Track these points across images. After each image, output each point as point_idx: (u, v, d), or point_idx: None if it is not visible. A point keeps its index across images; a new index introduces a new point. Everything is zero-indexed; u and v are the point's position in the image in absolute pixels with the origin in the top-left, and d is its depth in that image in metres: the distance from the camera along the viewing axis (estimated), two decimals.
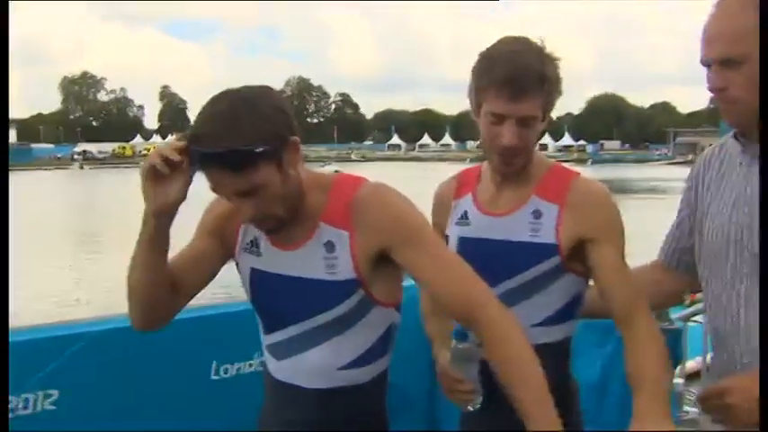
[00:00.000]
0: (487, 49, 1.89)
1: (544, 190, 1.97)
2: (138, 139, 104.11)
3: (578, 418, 2.04)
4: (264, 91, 1.57)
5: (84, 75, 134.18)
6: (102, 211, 32.02)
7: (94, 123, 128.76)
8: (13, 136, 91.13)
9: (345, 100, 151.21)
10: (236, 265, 1.79)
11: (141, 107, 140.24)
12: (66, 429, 2.03)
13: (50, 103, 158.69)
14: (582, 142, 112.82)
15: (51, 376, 2.02)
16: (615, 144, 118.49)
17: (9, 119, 0.80)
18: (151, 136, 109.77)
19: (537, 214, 1.95)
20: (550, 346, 1.99)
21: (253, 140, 1.49)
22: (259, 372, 2.06)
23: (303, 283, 1.69)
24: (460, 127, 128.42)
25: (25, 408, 2.00)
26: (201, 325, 2.33)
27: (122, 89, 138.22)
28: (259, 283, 1.75)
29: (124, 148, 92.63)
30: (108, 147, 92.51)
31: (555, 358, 1.99)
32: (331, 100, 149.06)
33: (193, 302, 1.78)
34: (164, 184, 1.54)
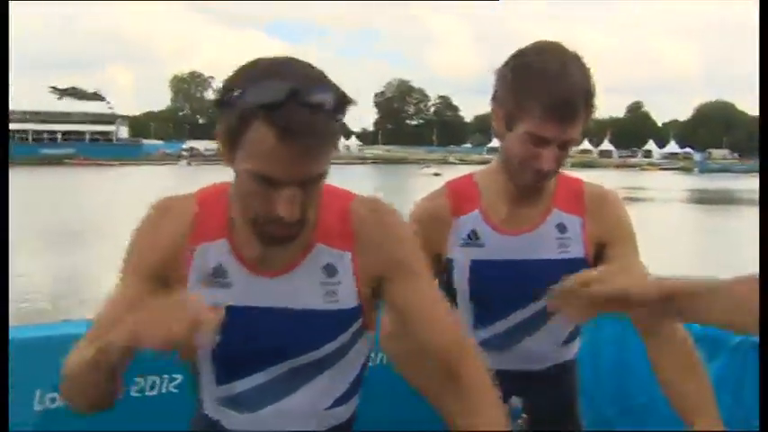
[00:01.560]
0: (527, 58, 1.74)
1: (562, 202, 1.88)
2: None
3: None
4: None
5: (193, 74, 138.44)
6: None
7: (201, 121, 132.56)
8: (125, 132, 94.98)
9: (445, 102, 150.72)
10: None
11: None
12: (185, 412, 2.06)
13: (161, 100, 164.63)
14: (688, 150, 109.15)
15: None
16: (723, 153, 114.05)
17: (8, 119, 0.84)
18: None
19: (562, 228, 1.86)
20: (573, 361, 1.97)
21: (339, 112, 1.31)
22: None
23: (296, 316, 1.41)
24: None
25: (152, 389, 2.14)
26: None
27: None
28: (227, 329, 1.26)
29: None
30: (214, 144, 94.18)
31: (575, 373, 1.98)
32: (431, 102, 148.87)
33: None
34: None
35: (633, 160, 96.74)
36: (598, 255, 1.87)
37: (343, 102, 1.30)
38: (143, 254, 1.41)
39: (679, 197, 37.61)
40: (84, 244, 19.71)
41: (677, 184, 49.80)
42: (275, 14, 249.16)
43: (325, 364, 1.45)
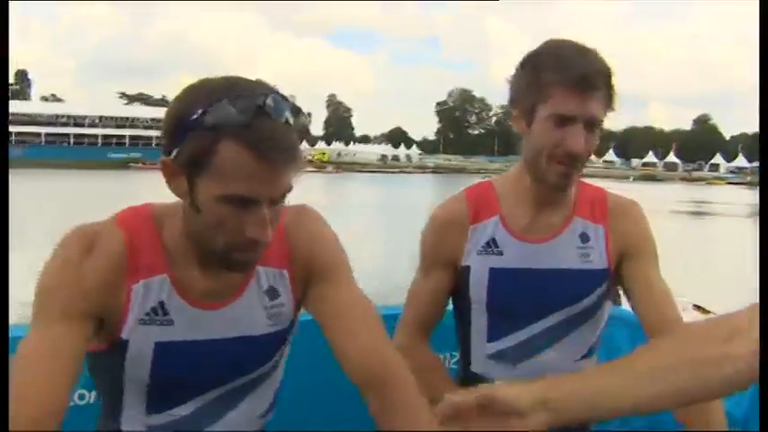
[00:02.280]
0: (540, 51, 1.71)
1: (585, 210, 1.82)
2: (305, 145, 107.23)
3: None
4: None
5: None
6: None
7: None
8: None
9: (507, 112, 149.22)
10: (114, 343, 1.33)
11: (309, 114, 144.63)
12: None
13: None
14: (757, 164, 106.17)
15: None
16: None
17: (8, 120, 0.84)
18: (316, 142, 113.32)
19: (584, 237, 1.80)
20: None
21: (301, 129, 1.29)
22: None
23: (241, 342, 1.39)
24: (626, 143, 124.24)
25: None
26: None
27: (291, 96, 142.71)
28: (165, 357, 1.34)
29: None
30: None
31: None
32: (492, 112, 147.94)
33: None
34: None
35: (699, 174, 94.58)
36: (618, 267, 1.80)
37: (298, 113, 1.30)
38: (72, 296, 1.26)
39: (746, 212, 36.69)
40: None
41: (745, 198, 48.52)
42: (340, 23, 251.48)
43: (257, 382, 1.45)
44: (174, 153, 1.25)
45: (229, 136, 1.19)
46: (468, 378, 1.87)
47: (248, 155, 1.19)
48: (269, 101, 1.23)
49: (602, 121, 1.70)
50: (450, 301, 1.91)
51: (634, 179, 78.98)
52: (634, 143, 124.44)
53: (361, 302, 1.45)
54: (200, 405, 1.41)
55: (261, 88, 1.26)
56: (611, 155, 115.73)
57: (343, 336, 1.40)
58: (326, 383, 1.85)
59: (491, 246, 1.80)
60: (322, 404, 2.13)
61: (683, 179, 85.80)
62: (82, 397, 1.88)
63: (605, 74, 1.68)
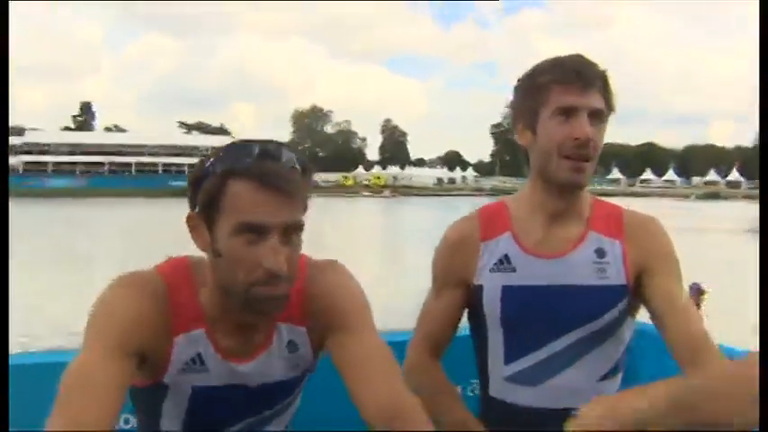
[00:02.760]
0: (536, 65, 1.76)
1: (600, 225, 1.77)
2: (360, 169, 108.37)
3: None
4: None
5: (314, 108, 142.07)
6: (329, 236, 33.60)
7: (321, 154, 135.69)
8: None
9: None
10: (156, 383, 1.48)
11: (364, 139, 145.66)
12: None
13: (282, 134, 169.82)
14: None
15: None
16: None
17: (8, 121, 0.86)
18: (372, 167, 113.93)
19: (600, 253, 1.74)
20: None
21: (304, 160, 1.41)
22: None
23: (267, 387, 1.53)
24: (687, 162, 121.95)
25: None
26: None
27: (347, 122, 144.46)
28: (201, 399, 1.50)
29: (346, 177, 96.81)
30: (332, 176, 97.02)
31: None
32: None
33: None
34: None
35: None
36: (637, 283, 1.74)
37: (306, 165, 1.40)
38: (121, 335, 1.37)
39: None
40: None
41: None
42: (396, 51, 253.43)
43: (281, 412, 1.60)
44: (195, 205, 1.42)
45: (236, 175, 1.35)
46: (487, 403, 1.84)
47: (252, 186, 1.34)
48: (271, 146, 1.38)
49: (604, 115, 1.71)
50: (468, 324, 1.88)
51: (696, 197, 77.46)
52: (695, 161, 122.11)
53: (379, 351, 1.49)
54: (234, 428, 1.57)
55: (266, 142, 1.40)
56: (671, 174, 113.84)
57: (359, 383, 1.45)
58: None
59: (503, 263, 1.76)
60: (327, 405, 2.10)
61: (747, 197, 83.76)
62: (126, 421, 1.95)
63: (601, 73, 1.72)
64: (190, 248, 1.47)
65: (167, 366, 1.46)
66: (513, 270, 1.75)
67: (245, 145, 1.39)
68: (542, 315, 1.72)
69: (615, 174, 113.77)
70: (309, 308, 1.52)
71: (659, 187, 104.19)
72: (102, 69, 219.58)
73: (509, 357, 1.78)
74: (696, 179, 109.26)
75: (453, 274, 1.81)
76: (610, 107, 1.73)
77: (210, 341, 1.47)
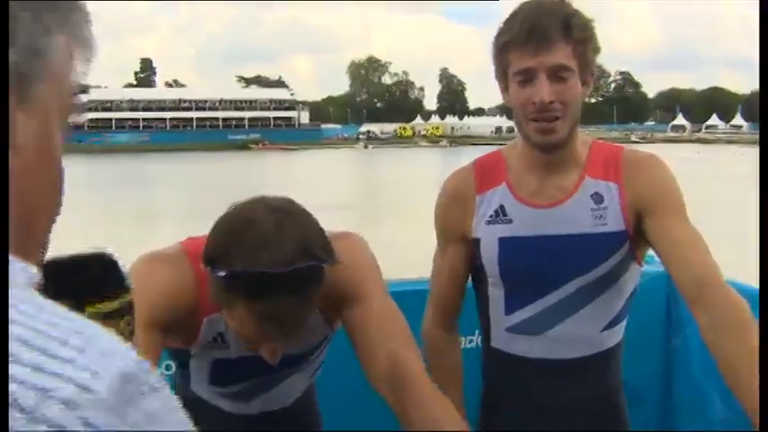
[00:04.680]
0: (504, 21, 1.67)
1: (596, 169, 1.70)
2: (419, 119, 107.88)
3: None
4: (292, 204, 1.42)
5: (370, 59, 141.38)
6: (385, 186, 33.68)
7: (378, 105, 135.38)
8: (305, 117, 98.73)
9: (626, 78, 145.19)
10: (183, 351, 1.62)
11: (422, 89, 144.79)
12: None
13: (339, 86, 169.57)
14: None
15: None
16: None
17: (8, 120, 0.87)
18: (430, 116, 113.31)
19: (597, 198, 1.68)
20: (613, 350, 1.77)
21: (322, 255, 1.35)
22: None
23: (282, 359, 1.54)
24: (754, 106, 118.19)
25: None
26: None
27: (405, 72, 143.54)
28: (222, 368, 1.63)
29: (404, 128, 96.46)
30: (390, 127, 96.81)
31: (614, 363, 1.79)
32: (611, 79, 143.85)
33: None
34: None
35: None
36: (639, 226, 1.68)
37: (319, 270, 1.35)
38: (160, 309, 1.45)
39: None
40: None
41: None
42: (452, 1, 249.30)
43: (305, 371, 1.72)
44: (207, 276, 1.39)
45: (243, 298, 1.33)
46: (489, 354, 1.83)
47: (255, 320, 1.34)
48: (286, 270, 1.29)
49: (571, 68, 1.61)
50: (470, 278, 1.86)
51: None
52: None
53: (385, 316, 1.53)
54: (245, 386, 1.68)
55: (291, 244, 1.31)
56: (738, 119, 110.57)
57: (362, 349, 1.51)
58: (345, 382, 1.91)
59: (499, 214, 1.73)
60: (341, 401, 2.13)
61: None
62: (168, 367, 2.01)
63: (563, 20, 1.60)
64: (249, 198, 1.47)
65: (194, 342, 1.57)
66: (510, 221, 1.72)
67: (263, 252, 1.30)
68: (541, 265, 1.69)
69: (680, 119, 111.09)
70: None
71: (726, 133, 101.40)
72: (159, 28, 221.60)
73: (509, 308, 1.76)
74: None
75: (453, 229, 1.79)
76: (582, 55, 1.63)
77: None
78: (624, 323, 1.79)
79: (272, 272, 1.28)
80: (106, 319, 0.80)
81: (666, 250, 1.64)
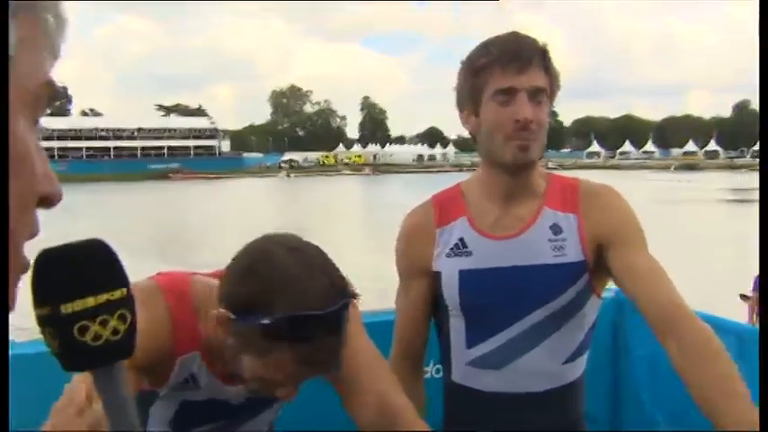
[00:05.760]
0: (475, 48, 1.73)
1: (554, 200, 1.72)
2: (341, 148, 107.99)
3: None
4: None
5: (292, 88, 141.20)
6: (308, 211, 33.55)
7: (300, 133, 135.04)
8: (226, 146, 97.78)
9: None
10: (146, 392, 1.53)
11: (344, 118, 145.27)
12: None
13: (260, 115, 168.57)
14: None
15: None
16: None
17: (8, 120, 0.87)
18: (352, 145, 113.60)
19: (556, 229, 1.69)
20: (575, 382, 1.76)
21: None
22: None
23: (250, 403, 1.58)
24: (665, 132, 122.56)
25: None
26: None
27: (326, 101, 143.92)
28: (188, 410, 1.57)
29: (327, 156, 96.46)
30: (313, 155, 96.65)
31: (577, 395, 1.78)
32: None
33: None
34: None
35: (742, 161, 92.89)
36: (599, 258, 1.69)
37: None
38: (138, 352, 1.36)
39: None
40: (190, 251, 20.37)
41: None
42: (372, 29, 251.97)
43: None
44: (232, 323, 1.33)
45: (287, 341, 1.28)
46: (450, 389, 1.82)
47: (296, 363, 1.31)
48: (329, 311, 1.28)
49: (545, 91, 1.67)
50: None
51: (675, 168, 77.89)
52: (673, 133, 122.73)
53: (364, 357, 1.54)
54: (210, 427, 1.62)
55: (323, 287, 1.30)
56: (650, 146, 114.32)
57: (348, 398, 1.53)
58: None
59: (459, 247, 1.73)
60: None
61: (727, 167, 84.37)
62: None
63: (539, 49, 1.68)
64: (169, 229, 1.44)
65: (164, 383, 1.50)
66: (470, 254, 1.72)
67: (303, 296, 1.28)
68: (501, 297, 1.68)
69: (594, 147, 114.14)
70: None
71: (638, 159, 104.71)
72: (75, 53, 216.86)
73: (471, 342, 1.75)
74: (675, 150, 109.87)
75: (414, 265, 1.79)
76: (554, 82, 1.70)
77: (205, 362, 1.50)
78: (585, 356, 1.78)
79: (321, 313, 1.26)
80: (77, 320, 0.77)
81: (630, 283, 1.64)
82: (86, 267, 0.79)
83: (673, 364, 1.55)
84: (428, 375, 2.30)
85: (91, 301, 0.78)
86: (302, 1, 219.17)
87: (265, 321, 1.27)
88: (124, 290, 0.82)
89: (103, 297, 0.79)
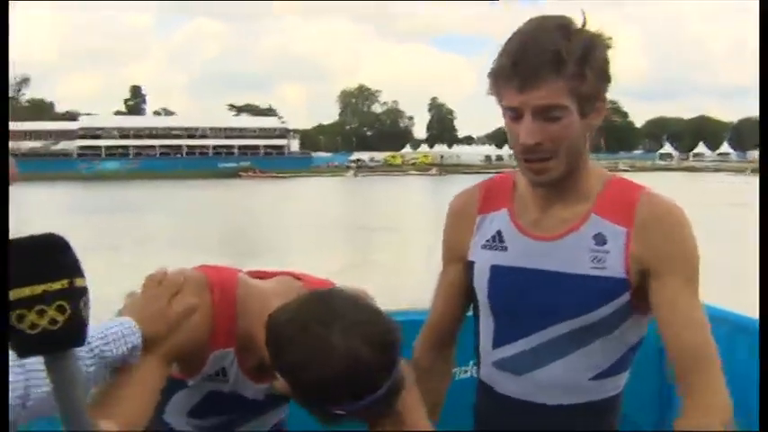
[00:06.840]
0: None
1: (606, 208, 1.56)
2: (408, 148, 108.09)
3: None
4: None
5: (361, 88, 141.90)
6: (376, 211, 33.67)
7: (368, 133, 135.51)
8: (295, 145, 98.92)
9: (614, 108, 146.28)
10: (177, 383, 1.58)
11: (411, 118, 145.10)
12: None
13: (329, 114, 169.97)
14: None
15: None
16: None
17: (8, 119, 0.87)
18: (419, 145, 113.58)
19: (600, 239, 1.54)
20: (605, 402, 1.63)
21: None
22: None
23: (265, 399, 1.65)
24: (741, 134, 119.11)
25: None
26: None
27: (394, 101, 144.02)
28: (213, 401, 1.62)
29: (394, 156, 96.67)
30: (380, 155, 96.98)
31: (607, 417, 1.64)
32: None
33: None
34: None
35: None
36: (642, 283, 1.54)
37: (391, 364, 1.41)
38: (177, 341, 1.47)
39: None
40: (257, 249, 20.67)
41: None
42: (442, 30, 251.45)
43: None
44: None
45: (318, 400, 1.43)
46: (478, 386, 1.75)
47: (323, 416, 1.45)
48: (361, 385, 1.38)
49: (563, 105, 1.47)
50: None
51: (752, 171, 75.57)
52: (749, 134, 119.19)
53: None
54: (228, 418, 1.67)
55: (364, 351, 1.38)
56: (725, 147, 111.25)
57: None
58: None
59: (496, 240, 1.63)
60: None
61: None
62: None
63: (551, 53, 1.44)
64: (237, 227, 1.49)
65: (196, 374, 1.55)
66: (505, 249, 1.61)
67: (333, 360, 1.37)
68: (529, 301, 1.58)
69: (667, 148, 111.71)
70: None
71: (713, 161, 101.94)
72: (151, 55, 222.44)
73: (497, 341, 1.66)
74: (752, 152, 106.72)
75: (453, 248, 1.71)
76: (580, 87, 1.47)
77: (237, 359, 1.56)
78: (624, 375, 1.66)
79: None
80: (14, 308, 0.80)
81: (662, 319, 1.54)
82: (29, 259, 0.82)
83: (680, 411, 1.53)
84: (468, 375, 2.29)
85: (27, 291, 0.81)
86: (371, 1, 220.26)
87: (340, 413, 1.42)
88: (65, 281, 0.83)
89: (40, 288, 0.82)
